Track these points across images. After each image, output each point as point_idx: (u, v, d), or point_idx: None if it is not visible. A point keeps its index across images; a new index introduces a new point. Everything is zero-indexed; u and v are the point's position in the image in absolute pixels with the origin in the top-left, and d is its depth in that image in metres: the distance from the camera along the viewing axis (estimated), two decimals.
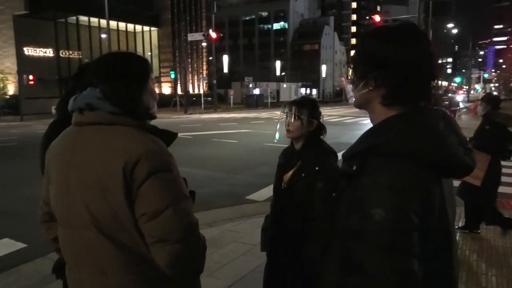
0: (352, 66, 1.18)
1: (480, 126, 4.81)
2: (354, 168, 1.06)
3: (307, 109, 2.13)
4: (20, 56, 33.92)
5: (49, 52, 36.24)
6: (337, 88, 76.16)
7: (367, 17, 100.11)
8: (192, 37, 38.52)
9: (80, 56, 38.91)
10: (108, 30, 28.18)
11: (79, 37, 39.12)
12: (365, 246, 0.99)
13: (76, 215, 1.30)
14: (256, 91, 49.27)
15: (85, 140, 1.32)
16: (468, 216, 4.99)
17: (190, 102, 38.50)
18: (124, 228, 1.26)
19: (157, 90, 1.50)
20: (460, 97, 52.04)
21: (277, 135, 2.35)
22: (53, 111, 34.40)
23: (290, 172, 2.14)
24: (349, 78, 1.22)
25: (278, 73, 63.58)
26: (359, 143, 1.11)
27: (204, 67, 52.24)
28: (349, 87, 1.24)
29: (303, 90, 72.00)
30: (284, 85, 65.14)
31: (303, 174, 2.09)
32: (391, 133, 1.04)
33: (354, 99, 1.20)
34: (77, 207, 1.29)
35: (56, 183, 1.37)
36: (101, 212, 1.26)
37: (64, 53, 37.72)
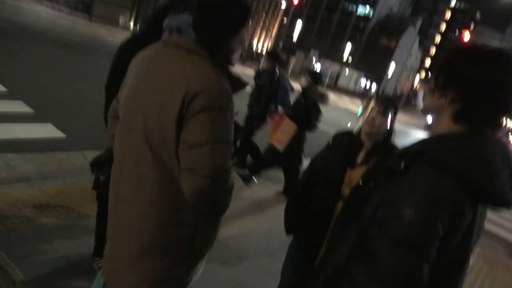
0: (434, 74, 1.18)
1: (297, 97, 5.08)
2: (402, 166, 1.09)
3: (392, 107, 2.07)
4: None
5: None
6: (398, 93, 73.73)
7: (457, 32, 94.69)
8: None
9: None
10: None
11: None
12: (385, 237, 1.05)
13: (134, 120, 1.40)
14: (318, 67, 48.43)
15: (164, 59, 1.39)
16: (286, 181, 5.28)
17: (251, 57, 38.33)
18: (166, 147, 1.34)
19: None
20: None
21: (350, 125, 2.27)
22: (120, 21, 35.14)
23: (362, 168, 1.99)
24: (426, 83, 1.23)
25: (345, 57, 61.95)
26: (415, 144, 1.15)
27: (276, 28, 51.52)
28: (421, 92, 1.24)
29: (363, 82, 70.04)
30: (347, 70, 63.55)
31: (376, 171, 2.01)
32: (447, 147, 1.07)
33: (423, 106, 1.21)
34: (137, 113, 1.39)
35: (129, 87, 1.47)
36: (153, 126, 1.34)
37: None
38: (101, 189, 2.44)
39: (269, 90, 5.34)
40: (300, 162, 5.16)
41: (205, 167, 1.29)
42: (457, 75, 1.12)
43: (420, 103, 1.26)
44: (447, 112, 1.14)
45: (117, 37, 21.23)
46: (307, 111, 4.86)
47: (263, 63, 5.49)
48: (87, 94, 7.20)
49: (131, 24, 37.44)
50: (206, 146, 1.29)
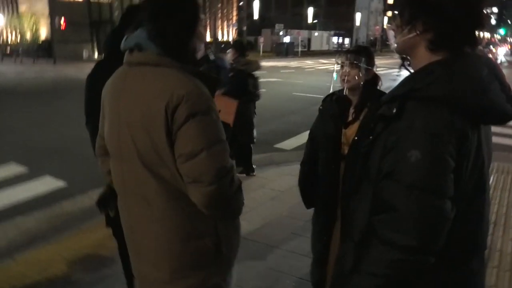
0: (398, 11, 1.16)
1: (228, 72, 5.01)
2: (394, 111, 1.08)
3: (363, 57, 2.03)
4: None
5: None
6: (371, 38, 73.30)
7: None
8: None
9: (110, 1, 38.62)
10: None
11: None
12: (398, 185, 1.03)
13: (125, 148, 1.39)
14: (287, 39, 48.05)
15: (133, 79, 1.37)
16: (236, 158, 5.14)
17: (219, 49, 38.08)
18: (165, 165, 1.33)
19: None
20: (502, 50, 49.19)
21: (332, 85, 2.23)
22: (84, 55, 34.93)
23: (355, 124, 2.02)
24: (391, 24, 1.20)
25: (310, 20, 61.46)
26: (399, 87, 1.13)
27: (234, 13, 50.96)
28: (391, 33, 1.21)
29: (335, 39, 69.66)
30: (316, 34, 63.11)
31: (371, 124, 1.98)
32: (432, 77, 1.05)
33: (396, 45, 1.19)
34: (126, 141, 1.37)
35: (108, 119, 1.45)
36: (145, 147, 1.33)
37: None
38: (114, 225, 2.43)
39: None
40: (249, 136, 5.09)
41: (208, 174, 1.28)
42: (420, 4, 1.09)
43: (393, 44, 1.23)
44: (421, 44, 1.12)
45: (86, 72, 20.97)
46: (239, 84, 4.83)
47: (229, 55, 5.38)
48: (73, 136, 7.14)
49: (96, 54, 37.08)
50: (202, 154, 1.27)
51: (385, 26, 72.89)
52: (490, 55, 23.86)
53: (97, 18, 37.54)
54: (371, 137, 1.18)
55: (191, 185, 1.31)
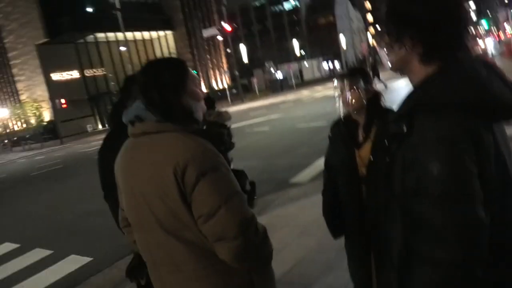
0: (385, 31, 1.18)
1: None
2: (404, 128, 1.07)
3: (360, 77, 2.04)
4: (49, 82, 35.31)
5: (75, 74, 37.45)
6: (360, 57, 74.46)
7: None
8: (206, 32, 38.74)
9: (104, 72, 40.02)
10: (126, 42, 28.74)
11: (100, 54, 40.20)
12: (427, 201, 1.01)
13: (144, 219, 1.40)
14: (279, 75, 48.96)
15: (139, 150, 1.40)
16: None
17: (216, 97, 38.78)
18: (187, 228, 1.33)
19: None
20: (489, 41, 49.50)
21: (341, 113, 2.23)
22: (88, 129, 35.76)
23: (367, 144, 2.02)
24: (381, 43, 1.22)
25: (297, 52, 62.80)
26: (404, 104, 1.13)
27: (224, 60, 52.35)
28: (383, 53, 1.23)
29: (325, 65, 70.82)
30: (306, 63, 64.31)
31: (385, 145, 1.94)
32: (433, 88, 1.06)
33: (390, 64, 1.20)
34: (143, 212, 1.39)
35: (124, 192, 1.48)
36: (163, 215, 1.34)
37: (89, 72, 38.87)
38: None
39: None
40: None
41: (231, 229, 1.28)
42: (405, 19, 1.11)
43: (386, 63, 1.24)
44: (414, 59, 1.13)
45: (93, 144, 21.45)
46: (211, 137, 4.95)
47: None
48: (90, 211, 7.19)
49: (100, 126, 37.95)
50: (221, 210, 1.28)
51: (371, 44, 74.30)
52: (480, 49, 23.99)
53: (94, 92, 38.75)
54: (387, 158, 1.18)
55: (216, 244, 1.31)
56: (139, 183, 1.38)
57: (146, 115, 1.38)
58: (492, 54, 30.30)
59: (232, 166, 1.70)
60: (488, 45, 42.26)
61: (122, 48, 37.08)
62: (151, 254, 1.46)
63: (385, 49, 1.21)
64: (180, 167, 1.28)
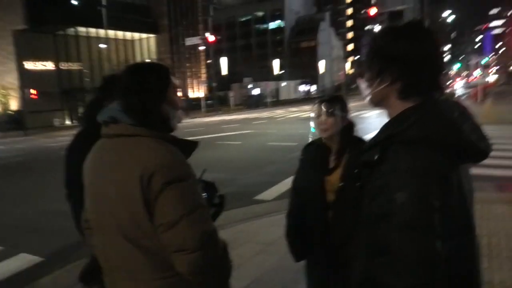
0: (367, 65, 1.24)
1: None
2: (376, 157, 1.13)
3: (338, 105, 2.08)
4: (21, 70, 34.15)
5: (49, 65, 36.42)
6: (336, 84, 76.16)
7: (362, 11, 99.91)
8: (190, 41, 38.71)
9: (81, 68, 39.13)
10: (107, 39, 28.34)
11: (79, 49, 39.32)
12: (389, 228, 1.05)
13: (105, 222, 1.38)
14: (256, 91, 49.33)
15: (110, 152, 1.38)
16: None
17: (190, 106, 38.62)
18: (147, 236, 1.31)
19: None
20: (459, 84, 51.95)
21: (310, 136, 2.26)
22: (56, 123, 34.68)
23: (338, 171, 2.05)
24: (363, 77, 1.28)
25: (276, 72, 63.62)
26: (379, 133, 1.19)
27: (203, 71, 52.33)
28: (363, 86, 1.29)
29: (302, 88, 71.98)
30: (283, 84, 65.15)
31: (356, 171, 1.95)
32: (409, 122, 1.12)
33: (369, 98, 1.26)
34: (105, 215, 1.37)
35: (89, 193, 1.45)
36: (124, 220, 1.32)
37: (64, 65, 37.89)
38: None
39: None
40: None
41: (191, 241, 1.27)
42: (386, 57, 1.18)
43: (366, 95, 1.30)
44: (392, 94, 1.20)
45: (59, 140, 20.82)
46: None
47: None
48: (49, 210, 6.95)
49: (68, 122, 36.91)
50: (183, 221, 1.27)
51: (348, 70, 76.20)
52: (448, 90, 25.16)
53: (67, 86, 37.76)
54: (358, 184, 1.22)
55: (174, 254, 1.29)
56: (105, 185, 1.36)
57: (122, 117, 1.37)
58: (460, 95, 31.70)
59: (203, 178, 1.70)
60: (457, 86, 44.06)
61: (102, 46, 36.52)
62: (107, 259, 1.43)
63: (364, 83, 1.27)
64: (147, 173, 1.27)
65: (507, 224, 4.70)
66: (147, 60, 1.66)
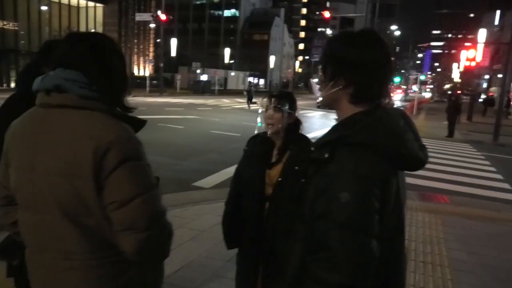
0: (321, 67, 1.28)
1: None
2: (326, 155, 1.17)
3: (287, 101, 2.11)
4: None
5: None
6: (284, 80, 77.39)
7: (317, 12, 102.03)
8: (140, 17, 37.24)
9: (16, 28, 36.12)
10: (49, 2, 26.49)
11: (16, 7, 36.23)
12: (329, 225, 1.10)
13: (40, 199, 1.27)
14: (204, 78, 48.77)
15: (52, 124, 1.28)
16: None
17: (134, 84, 37.32)
18: (90, 213, 1.25)
19: None
20: (397, 96, 55.14)
21: (256, 129, 2.28)
22: None
23: (279, 166, 2.09)
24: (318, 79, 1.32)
25: (226, 60, 63.31)
26: (330, 133, 1.23)
27: (151, 49, 50.64)
28: (316, 87, 1.34)
29: (250, 79, 72.30)
30: (232, 73, 65.07)
31: (296, 168, 1.97)
32: (359, 126, 1.17)
33: (321, 99, 1.30)
34: (42, 191, 1.26)
35: (18, 167, 1.32)
36: (66, 197, 1.24)
37: None
38: (17, 274, 2.20)
39: None
40: None
41: (143, 220, 1.25)
42: (340, 62, 1.22)
43: (318, 97, 1.35)
44: (344, 98, 1.25)
45: None
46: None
47: None
48: None
49: None
50: (137, 199, 1.24)
51: (297, 69, 77.76)
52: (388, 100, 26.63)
53: (0, 46, 34.84)
54: (303, 180, 1.26)
55: (123, 233, 1.25)
56: (44, 158, 1.25)
57: (70, 87, 1.26)
58: (398, 106, 33.58)
59: None
60: (396, 98, 46.63)
61: (43, 8, 34.06)
62: (37, 237, 1.33)
63: (318, 84, 1.32)
64: (101, 148, 1.21)
65: (426, 231, 5.07)
66: (94, 31, 1.56)
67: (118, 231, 1.26)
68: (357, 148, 1.15)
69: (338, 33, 1.31)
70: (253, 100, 27.11)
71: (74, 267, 1.29)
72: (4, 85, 33.71)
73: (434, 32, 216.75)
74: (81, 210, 1.25)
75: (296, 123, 2.18)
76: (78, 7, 43.34)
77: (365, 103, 1.23)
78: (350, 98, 1.23)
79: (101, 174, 1.22)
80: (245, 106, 27.12)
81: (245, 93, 31.58)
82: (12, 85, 32.69)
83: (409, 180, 6.44)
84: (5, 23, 35.27)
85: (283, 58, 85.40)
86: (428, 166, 6.26)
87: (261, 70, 76.26)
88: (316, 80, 1.37)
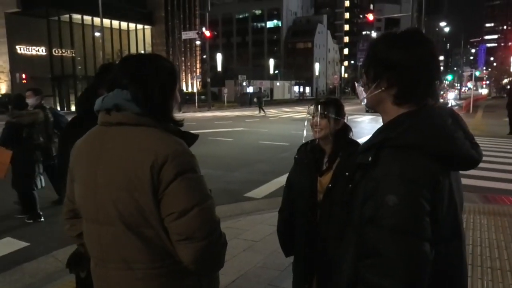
0: (364, 70, 1.27)
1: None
2: (370, 159, 1.15)
3: (333, 108, 2.11)
4: (12, 54, 33.61)
5: (41, 51, 35.92)
6: (330, 86, 76.55)
7: (360, 16, 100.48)
8: (186, 35, 38.43)
9: (73, 55, 38.62)
10: (101, 28, 28.08)
11: (72, 35, 38.76)
12: (379, 230, 1.08)
13: (104, 211, 1.36)
14: (250, 89, 49.32)
15: (113, 140, 1.37)
16: (22, 205, 5.63)
17: (183, 100, 38.44)
18: (149, 225, 1.32)
19: None
20: (451, 94, 52.77)
21: (304, 135, 2.29)
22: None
23: (329, 173, 2.09)
24: (361, 81, 1.31)
25: (271, 71, 63.70)
26: (374, 136, 1.22)
27: (198, 65, 52.10)
28: (360, 89, 1.32)
29: (296, 88, 72.18)
30: (278, 83, 65.24)
31: (346, 173, 1.93)
32: (403, 127, 1.14)
33: (366, 101, 1.29)
34: (105, 204, 1.35)
35: (82, 181, 1.42)
36: (128, 209, 1.31)
37: (57, 51, 37.37)
38: (85, 286, 2.33)
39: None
40: (29, 181, 5.44)
41: (201, 230, 1.30)
42: (383, 63, 1.20)
43: (363, 100, 1.33)
44: (388, 99, 1.22)
45: None
46: (8, 135, 5.27)
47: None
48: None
49: (58, 108, 36.53)
50: (194, 210, 1.29)
51: (344, 74, 76.78)
52: (441, 100, 25.62)
53: (59, 73, 37.29)
54: (350, 185, 1.24)
55: (181, 243, 1.30)
56: (106, 173, 1.34)
57: (128, 105, 1.35)
58: (451, 105, 32.12)
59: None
60: (449, 97, 44.63)
61: (97, 34, 36.10)
62: (101, 249, 1.41)
63: (361, 87, 1.30)
64: (158, 162, 1.28)
65: (491, 235, 4.78)
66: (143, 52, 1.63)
67: (176, 241, 1.31)
68: (403, 150, 1.12)
69: (381, 35, 1.29)
70: (263, 107, 29.40)
71: (137, 276, 1.35)
72: (65, 109, 35.98)
73: (487, 25, 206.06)
74: (141, 222, 1.32)
75: (344, 129, 2.16)
76: (128, 31, 45.60)
77: (410, 104, 1.20)
78: (394, 99, 1.21)
79: (159, 187, 1.29)
80: (291, 115, 27.11)
81: (255, 99, 33.10)
82: (72, 108, 34.83)
83: (470, 182, 6.21)
84: (63, 51, 37.79)
85: (328, 65, 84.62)
86: (490, 166, 6.01)
87: (306, 78, 75.97)
88: (359, 83, 1.35)
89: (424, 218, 1.08)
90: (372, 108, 1.31)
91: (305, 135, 2.25)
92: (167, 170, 1.28)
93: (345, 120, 2.18)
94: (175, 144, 1.33)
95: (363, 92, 1.29)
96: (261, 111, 29.26)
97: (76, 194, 1.46)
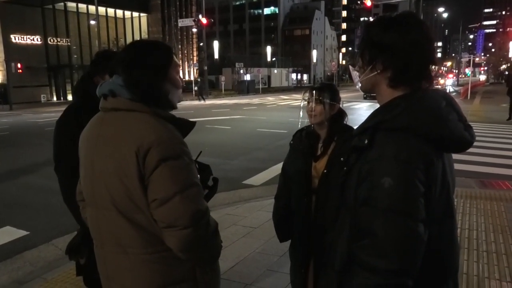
0: (359, 53, 1.27)
1: None
2: (366, 142, 1.16)
3: (328, 93, 2.11)
4: (7, 43, 33.26)
5: (36, 40, 35.54)
6: (328, 73, 76.28)
7: (358, 2, 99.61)
8: (182, 23, 38.08)
9: (69, 44, 38.26)
10: (97, 16, 27.80)
11: (67, 24, 38.35)
12: (374, 211, 1.10)
13: (99, 196, 1.38)
14: (247, 77, 49.11)
15: (108, 125, 1.39)
16: None
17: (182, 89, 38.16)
18: (140, 210, 1.33)
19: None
20: (449, 81, 52.67)
21: (300, 122, 2.30)
22: (42, 99, 34.09)
23: (324, 158, 2.09)
24: (355, 65, 1.31)
25: (269, 58, 63.35)
26: (369, 120, 1.22)
27: (195, 53, 51.71)
28: (354, 73, 1.32)
29: (294, 76, 71.89)
30: (275, 71, 64.97)
31: (342, 158, 2.00)
32: (397, 110, 1.15)
33: (360, 84, 1.29)
34: (100, 188, 1.37)
35: (83, 166, 1.46)
36: (119, 194, 1.33)
37: (52, 40, 37.01)
38: (84, 273, 2.35)
39: None
40: None
41: (183, 218, 1.29)
42: (377, 46, 1.21)
43: (357, 83, 1.34)
44: (383, 82, 1.23)
45: (45, 116, 20.54)
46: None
47: None
48: (34, 185, 6.89)
49: (55, 98, 36.35)
50: (175, 198, 1.29)
51: (342, 61, 76.42)
52: (439, 86, 25.60)
53: (55, 62, 36.99)
54: (345, 168, 1.25)
55: (165, 230, 1.31)
56: (100, 158, 1.37)
57: (120, 91, 1.37)
58: (449, 91, 32.11)
59: (199, 160, 1.71)
60: (447, 83, 44.51)
61: (92, 22, 35.74)
62: (100, 232, 1.44)
63: (356, 71, 1.31)
64: (143, 148, 1.28)
65: (488, 219, 4.82)
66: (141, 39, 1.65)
67: (162, 229, 1.32)
68: (397, 132, 1.13)
69: (375, 18, 1.30)
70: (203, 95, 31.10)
71: (132, 261, 1.38)
72: (61, 98, 35.81)
73: (486, 10, 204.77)
74: (132, 207, 1.33)
75: (340, 114, 2.16)
76: (123, 18, 45.10)
77: (405, 86, 1.20)
78: (388, 82, 1.22)
79: (145, 173, 1.30)
80: (289, 102, 27.08)
81: (196, 88, 34.85)
82: (69, 98, 34.64)
83: (468, 167, 6.25)
84: (58, 40, 37.42)
85: (326, 51, 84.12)
86: (488, 151, 6.05)
87: (304, 65, 75.59)
88: (354, 67, 1.35)
89: (419, 199, 1.09)
90: (367, 91, 1.32)
91: (300, 121, 2.25)
92: (151, 157, 1.28)
93: (341, 105, 2.18)
94: (163, 130, 1.33)
95: (358, 76, 1.30)
96: (202, 99, 31.11)
97: (80, 178, 1.50)
